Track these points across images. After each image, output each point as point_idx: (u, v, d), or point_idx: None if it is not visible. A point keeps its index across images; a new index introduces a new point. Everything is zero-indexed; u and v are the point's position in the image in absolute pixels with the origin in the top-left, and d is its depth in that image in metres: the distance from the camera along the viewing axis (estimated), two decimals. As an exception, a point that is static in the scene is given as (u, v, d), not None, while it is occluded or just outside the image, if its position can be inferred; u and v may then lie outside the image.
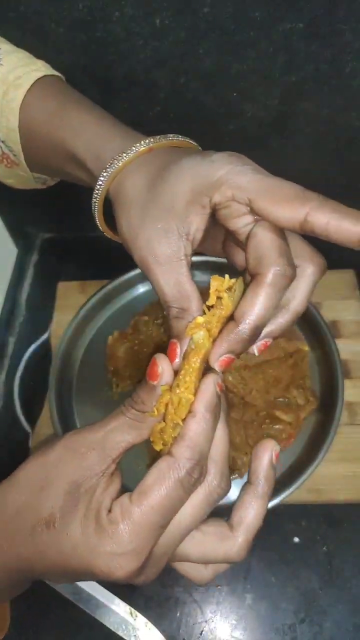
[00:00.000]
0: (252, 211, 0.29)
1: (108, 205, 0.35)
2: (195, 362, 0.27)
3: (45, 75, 0.41)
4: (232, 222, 0.30)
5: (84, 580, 0.27)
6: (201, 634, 0.50)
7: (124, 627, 0.49)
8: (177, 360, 0.28)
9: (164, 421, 0.28)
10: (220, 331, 0.28)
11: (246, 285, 0.29)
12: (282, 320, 0.31)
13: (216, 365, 0.28)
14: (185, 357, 0.28)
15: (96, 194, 0.34)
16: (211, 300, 0.28)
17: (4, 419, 0.63)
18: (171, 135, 0.34)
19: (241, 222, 0.30)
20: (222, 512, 0.30)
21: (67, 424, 0.59)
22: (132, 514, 0.25)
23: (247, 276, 0.30)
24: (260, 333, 0.29)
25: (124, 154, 0.33)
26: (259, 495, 0.30)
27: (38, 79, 0.40)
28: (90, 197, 0.36)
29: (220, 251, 0.36)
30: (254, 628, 0.50)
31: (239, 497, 0.31)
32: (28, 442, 0.60)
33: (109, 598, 0.50)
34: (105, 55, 0.48)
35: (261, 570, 0.52)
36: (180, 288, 0.30)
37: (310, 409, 0.58)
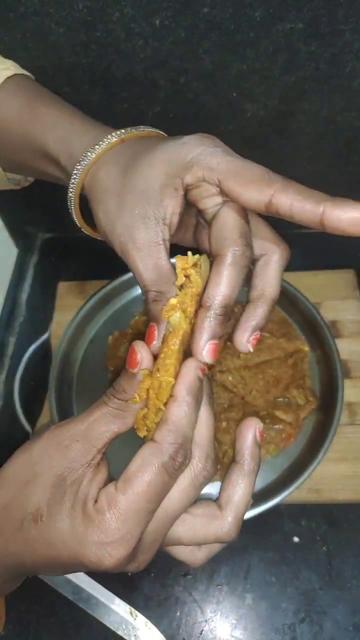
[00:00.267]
0: (222, 192, 0.29)
1: (86, 205, 0.35)
2: (174, 344, 0.27)
3: (15, 74, 0.41)
4: (202, 202, 0.31)
5: (75, 572, 0.27)
6: (201, 633, 0.50)
7: (124, 626, 0.49)
8: (155, 342, 0.29)
9: (147, 407, 0.28)
10: (195, 314, 0.28)
11: (210, 264, 0.29)
12: (261, 310, 0.32)
13: (205, 357, 0.28)
14: (164, 340, 0.28)
15: (71, 189, 0.34)
16: (179, 280, 0.28)
17: (4, 418, 0.63)
18: (142, 126, 0.35)
19: (211, 202, 0.30)
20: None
21: (67, 424, 0.59)
22: (118, 502, 0.25)
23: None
24: (231, 312, 0.29)
25: (96, 146, 0.33)
26: (245, 473, 0.30)
27: (8, 77, 0.40)
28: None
29: (192, 240, 0.36)
30: (254, 628, 0.50)
31: (226, 476, 0.31)
32: (28, 442, 0.60)
33: (109, 598, 0.50)
34: (105, 56, 0.48)
35: (261, 570, 0.52)
36: (159, 272, 0.30)
37: (310, 408, 0.58)
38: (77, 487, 0.26)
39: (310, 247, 0.73)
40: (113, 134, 0.34)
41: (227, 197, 0.29)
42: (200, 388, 0.28)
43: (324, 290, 0.68)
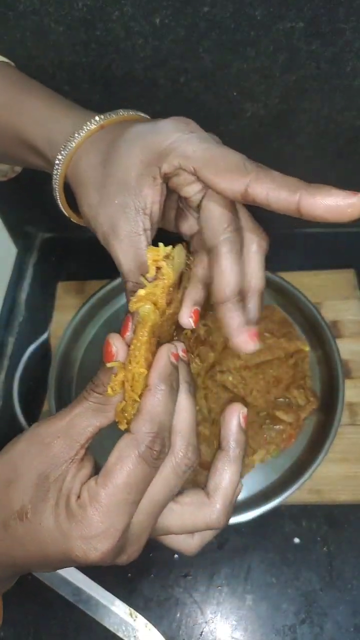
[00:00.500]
0: (199, 180, 0.29)
1: (71, 193, 0.35)
2: (143, 335, 0.27)
3: None
4: (184, 190, 0.31)
5: (66, 567, 0.27)
6: (201, 634, 0.50)
7: (123, 628, 0.48)
8: (129, 333, 0.28)
9: (125, 400, 0.27)
10: (169, 306, 0.28)
11: (190, 253, 0.30)
12: (251, 305, 0.32)
13: (250, 345, 0.29)
14: (134, 331, 0.28)
15: (55, 179, 0.34)
16: (151, 272, 0.28)
17: (3, 418, 0.63)
18: (121, 110, 0.34)
19: (192, 190, 0.30)
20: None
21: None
22: (99, 496, 0.25)
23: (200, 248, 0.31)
24: (240, 296, 0.29)
25: (76, 134, 0.33)
26: (231, 459, 0.30)
27: None
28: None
29: (174, 227, 0.36)
30: (254, 629, 0.50)
31: (212, 463, 0.31)
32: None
33: (108, 599, 0.50)
34: (105, 55, 0.48)
35: (262, 571, 0.52)
36: (138, 262, 0.30)
37: (311, 409, 0.58)
38: (60, 484, 0.26)
39: (310, 247, 0.73)
40: (92, 120, 0.33)
41: (205, 185, 0.30)
42: (175, 374, 0.28)
43: (324, 290, 0.68)
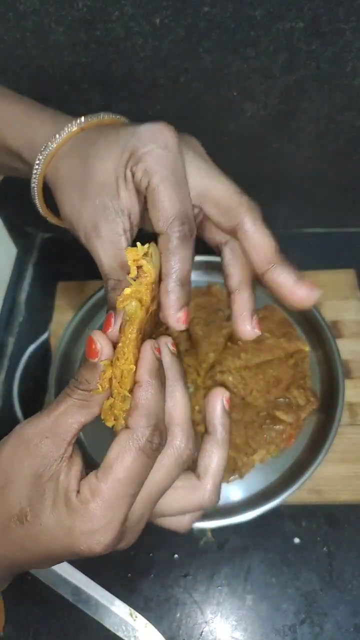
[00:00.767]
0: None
1: (50, 195, 0.35)
2: (132, 332, 0.28)
3: None
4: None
5: (66, 560, 0.28)
6: (201, 634, 0.50)
7: (123, 628, 0.48)
8: (111, 329, 0.29)
9: (112, 396, 0.28)
10: (153, 302, 0.29)
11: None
12: (246, 295, 0.33)
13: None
14: (121, 329, 0.28)
15: (34, 179, 0.34)
16: (133, 272, 0.29)
17: (3, 419, 0.63)
18: (102, 113, 0.35)
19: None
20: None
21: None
22: (101, 491, 0.26)
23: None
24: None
25: (57, 135, 0.33)
26: (219, 442, 0.32)
27: None
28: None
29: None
30: (254, 629, 0.50)
31: (201, 447, 0.33)
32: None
33: (108, 599, 0.50)
34: (105, 55, 0.48)
35: (261, 571, 0.52)
36: (119, 261, 0.31)
37: (311, 409, 0.58)
38: (55, 483, 0.27)
39: (310, 247, 0.73)
40: (73, 122, 0.33)
41: None
42: (161, 367, 0.29)
43: (324, 290, 0.66)
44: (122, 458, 0.26)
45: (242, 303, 0.33)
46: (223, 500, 0.55)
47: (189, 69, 0.49)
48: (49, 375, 0.63)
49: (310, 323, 0.63)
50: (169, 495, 0.30)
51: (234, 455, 0.56)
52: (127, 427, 0.27)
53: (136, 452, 0.26)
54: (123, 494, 0.26)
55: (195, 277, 0.65)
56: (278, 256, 0.31)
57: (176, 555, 0.53)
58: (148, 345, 0.28)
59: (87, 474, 0.27)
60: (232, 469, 0.56)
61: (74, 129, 0.33)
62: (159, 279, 0.30)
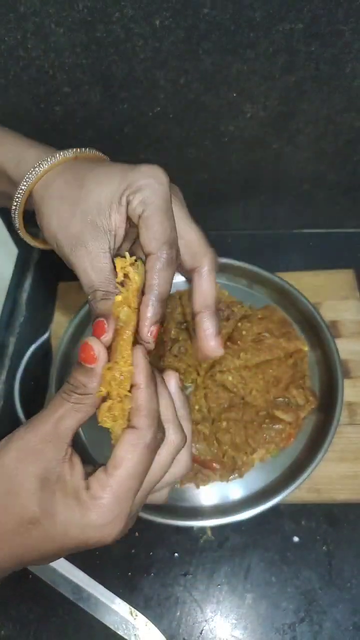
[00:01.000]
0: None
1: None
2: (129, 336, 0.31)
3: None
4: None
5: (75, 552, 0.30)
6: (201, 633, 0.50)
7: (124, 626, 0.49)
8: (106, 335, 0.31)
9: (109, 398, 0.30)
10: (139, 309, 0.32)
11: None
12: (210, 317, 0.36)
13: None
14: (116, 333, 0.31)
15: (20, 190, 0.35)
16: (119, 277, 0.32)
17: (4, 418, 0.63)
18: (94, 150, 0.38)
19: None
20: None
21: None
22: (112, 486, 0.28)
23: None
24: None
25: (52, 157, 0.35)
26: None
27: None
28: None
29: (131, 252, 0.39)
30: (254, 627, 0.50)
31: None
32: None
33: (109, 597, 0.50)
34: (105, 56, 0.48)
35: (261, 570, 0.53)
36: (105, 275, 0.33)
37: (310, 408, 0.58)
38: (63, 483, 0.28)
39: (310, 247, 0.73)
40: (68, 150, 0.36)
41: None
42: (153, 371, 0.32)
43: (324, 290, 0.68)
44: (131, 455, 0.28)
45: (209, 323, 0.36)
46: (223, 499, 0.55)
47: (189, 70, 0.50)
48: (50, 375, 0.63)
49: (309, 323, 0.63)
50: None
51: (233, 455, 0.56)
52: (131, 426, 0.29)
53: (143, 448, 0.29)
54: (131, 488, 0.28)
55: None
56: (214, 306, 0.36)
57: (176, 554, 0.53)
58: (139, 352, 0.31)
59: (86, 471, 0.29)
60: (231, 468, 0.56)
61: (69, 155, 0.35)
62: (142, 292, 0.32)
